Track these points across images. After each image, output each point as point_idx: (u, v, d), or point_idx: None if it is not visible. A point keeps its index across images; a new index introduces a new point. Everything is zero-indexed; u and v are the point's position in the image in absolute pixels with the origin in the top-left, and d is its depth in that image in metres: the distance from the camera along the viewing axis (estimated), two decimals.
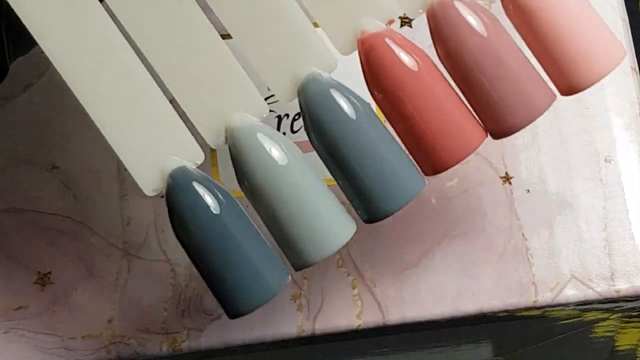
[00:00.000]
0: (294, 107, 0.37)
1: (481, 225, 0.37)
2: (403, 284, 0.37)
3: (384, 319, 0.37)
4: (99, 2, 0.32)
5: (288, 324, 0.37)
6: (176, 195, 0.31)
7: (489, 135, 0.33)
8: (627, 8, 0.40)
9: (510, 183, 0.38)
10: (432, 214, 0.38)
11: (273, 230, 0.32)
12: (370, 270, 0.37)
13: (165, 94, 0.32)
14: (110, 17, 0.32)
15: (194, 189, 0.31)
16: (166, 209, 0.31)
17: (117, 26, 0.32)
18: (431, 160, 0.32)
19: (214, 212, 0.31)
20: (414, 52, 0.32)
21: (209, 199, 0.31)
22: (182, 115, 0.32)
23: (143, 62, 0.32)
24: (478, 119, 0.32)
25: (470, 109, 0.32)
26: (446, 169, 0.32)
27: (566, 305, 0.37)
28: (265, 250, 0.32)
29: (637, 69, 0.39)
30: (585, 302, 0.37)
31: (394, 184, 0.31)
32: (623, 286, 0.37)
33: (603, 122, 0.38)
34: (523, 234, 0.37)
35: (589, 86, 0.32)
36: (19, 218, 0.38)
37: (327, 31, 0.32)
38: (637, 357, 0.47)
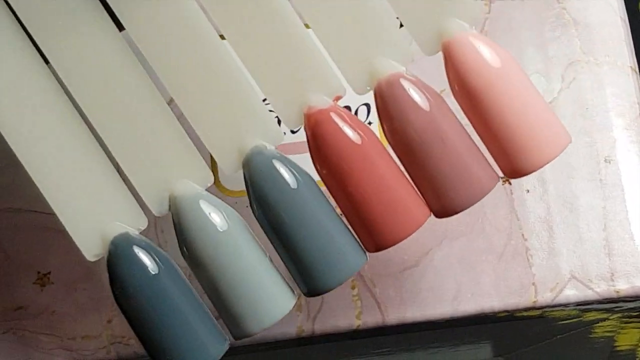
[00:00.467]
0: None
1: (481, 226, 0.37)
2: (403, 284, 0.37)
3: (383, 319, 0.37)
4: (44, 63, 0.32)
5: (287, 324, 0.37)
6: (117, 261, 0.31)
7: (432, 214, 0.33)
8: (627, 8, 0.40)
9: (510, 183, 0.38)
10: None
11: (213, 298, 0.32)
12: (370, 271, 0.37)
13: (110, 160, 0.32)
14: (56, 79, 0.32)
15: (135, 255, 0.31)
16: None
17: (63, 88, 0.32)
18: (373, 237, 0.32)
19: (152, 272, 0.31)
20: (360, 128, 0.32)
21: (147, 262, 0.31)
22: (127, 180, 0.32)
23: (88, 127, 0.32)
24: (422, 197, 0.32)
25: (415, 187, 0.32)
26: (388, 246, 0.32)
27: (566, 305, 0.37)
28: (205, 317, 0.32)
29: (637, 69, 0.39)
30: (585, 303, 0.37)
31: (334, 259, 0.31)
32: (623, 286, 0.37)
33: (603, 122, 0.38)
34: (523, 235, 0.37)
35: (533, 171, 0.32)
36: (18, 218, 0.38)
37: (274, 105, 0.32)
38: (637, 357, 0.47)
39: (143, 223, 0.32)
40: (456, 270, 0.37)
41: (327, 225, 0.31)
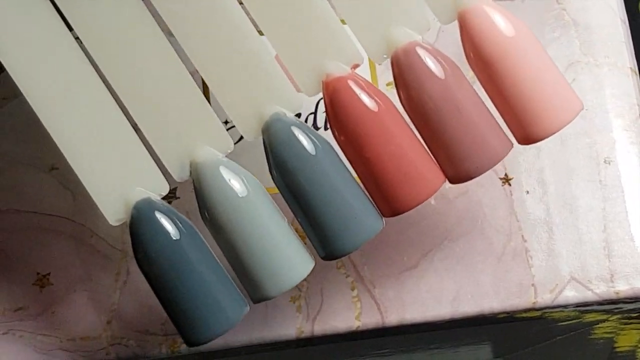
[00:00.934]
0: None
1: (481, 227, 0.37)
2: (402, 286, 0.37)
3: (383, 321, 0.37)
4: (69, 33, 0.32)
5: (287, 325, 0.37)
6: (139, 225, 0.32)
7: (447, 180, 0.33)
8: (626, 10, 0.40)
9: (509, 184, 0.38)
10: (431, 215, 0.38)
11: (233, 262, 0.32)
12: (370, 272, 0.37)
13: (132, 127, 0.33)
14: (79, 46, 0.32)
15: (157, 219, 0.32)
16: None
17: (87, 57, 0.32)
18: (389, 202, 0.32)
19: (174, 238, 0.32)
20: (377, 95, 0.32)
21: (170, 228, 0.32)
22: (149, 147, 0.33)
23: (111, 94, 0.32)
24: (437, 163, 0.33)
25: (430, 153, 0.33)
26: (404, 211, 0.33)
27: (565, 306, 0.37)
28: (225, 281, 0.32)
29: (636, 70, 0.39)
30: (584, 304, 0.37)
31: (352, 223, 0.32)
32: (622, 288, 0.37)
33: (602, 123, 0.38)
34: (522, 236, 0.37)
35: (546, 137, 0.33)
36: (18, 219, 0.38)
37: (293, 72, 0.33)
38: (637, 358, 0.47)
39: (165, 188, 0.33)
40: (456, 271, 0.37)
41: (344, 191, 0.32)
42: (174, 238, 0.32)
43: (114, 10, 0.32)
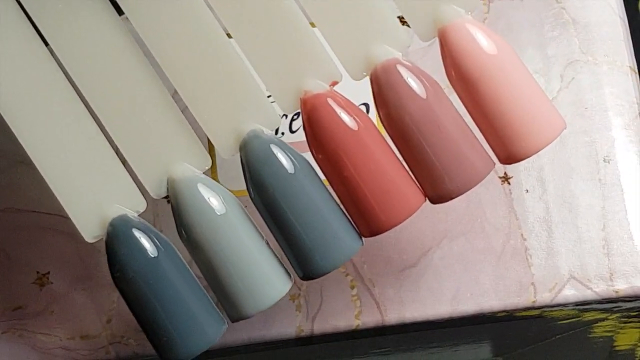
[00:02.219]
0: None
1: (480, 226, 0.37)
2: (402, 284, 0.37)
3: (382, 319, 0.37)
4: (45, 48, 0.32)
5: (287, 324, 0.37)
6: (115, 242, 0.31)
7: (427, 200, 0.33)
8: (626, 8, 0.40)
9: (509, 183, 0.38)
10: (431, 214, 0.37)
11: (210, 281, 0.32)
12: (369, 271, 0.37)
13: (109, 143, 0.32)
14: (56, 61, 0.32)
15: (133, 236, 0.31)
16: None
17: (64, 73, 0.32)
18: (368, 222, 0.32)
19: (151, 255, 0.31)
20: (355, 113, 0.32)
21: (146, 244, 0.31)
22: (126, 163, 0.32)
23: (88, 111, 0.32)
24: (417, 183, 0.33)
25: (410, 172, 0.33)
26: (383, 232, 0.32)
27: (565, 305, 0.37)
28: (203, 299, 0.32)
29: (636, 69, 0.39)
30: (584, 303, 0.37)
31: (330, 243, 0.32)
32: (622, 286, 0.37)
33: (602, 122, 0.38)
34: (522, 234, 0.37)
35: (528, 157, 0.32)
36: (17, 218, 0.38)
37: (271, 90, 0.33)
38: (636, 357, 0.47)
39: (142, 205, 0.33)
40: (455, 270, 0.37)
41: (322, 210, 0.32)
42: (151, 255, 0.31)
43: (90, 24, 0.32)
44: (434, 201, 0.33)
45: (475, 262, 0.37)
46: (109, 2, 0.32)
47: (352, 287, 0.37)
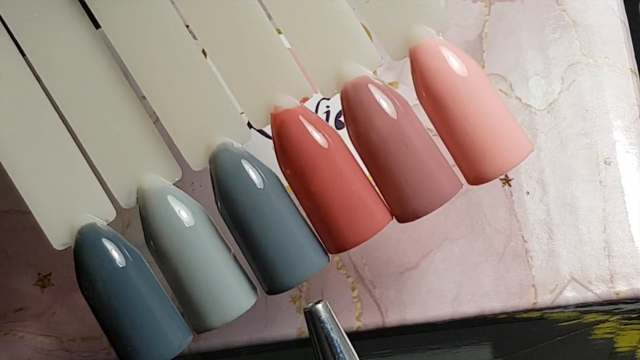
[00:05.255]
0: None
1: (481, 227, 0.37)
2: (403, 286, 0.37)
3: (383, 321, 0.37)
4: (20, 57, 0.32)
5: (288, 325, 0.37)
6: (82, 251, 0.32)
7: (394, 218, 0.33)
8: (626, 10, 0.40)
9: (510, 185, 0.38)
10: (431, 215, 0.37)
11: (176, 292, 0.32)
12: (370, 272, 0.37)
13: (80, 152, 0.33)
14: (31, 71, 0.32)
15: (101, 245, 0.32)
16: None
17: (38, 82, 0.32)
18: (334, 238, 0.32)
19: (120, 265, 0.31)
20: (325, 130, 0.32)
21: (115, 254, 0.32)
22: (97, 172, 0.33)
23: (60, 119, 0.32)
24: (385, 201, 0.33)
25: (378, 191, 0.33)
26: (348, 248, 0.32)
27: (565, 307, 0.37)
28: (170, 309, 0.32)
29: (636, 71, 0.39)
30: (584, 304, 0.37)
31: (295, 259, 0.32)
32: (622, 288, 0.37)
33: (602, 124, 0.38)
34: (522, 236, 0.37)
35: (494, 178, 0.33)
36: (19, 219, 0.38)
37: (241, 104, 0.33)
38: (637, 358, 0.47)
39: (111, 215, 0.33)
40: (456, 271, 0.37)
41: (289, 225, 0.32)
42: (119, 265, 0.31)
43: (66, 37, 0.32)
44: (400, 220, 0.33)
45: (476, 263, 0.37)
46: (85, 14, 0.33)
47: (353, 289, 0.37)
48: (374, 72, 0.34)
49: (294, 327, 0.37)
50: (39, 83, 0.32)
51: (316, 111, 0.39)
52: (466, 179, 0.33)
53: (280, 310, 0.37)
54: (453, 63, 0.32)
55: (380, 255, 0.37)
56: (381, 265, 0.37)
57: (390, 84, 0.39)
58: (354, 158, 0.33)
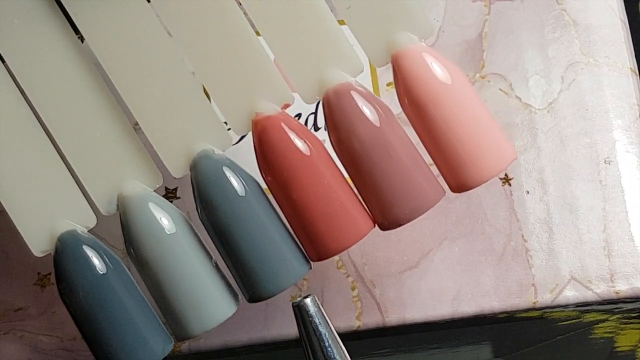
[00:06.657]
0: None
1: (481, 227, 0.38)
2: (403, 285, 0.37)
3: (383, 320, 0.37)
4: (0, 63, 0.32)
5: (288, 325, 0.37)
6: (63, 258, 0.31)
7: (376, 226, 0.33)
8: (626, 10, 0.40)
9: (509, 184, 0.38)
10: (431, 215, 0.38)
11: (157, 299, 0.32)
12: (370, 272, 0.37)
13: (61, 159, 0.32)
14: (12, 78, 0.32)
15: (82, 252, 0.31)
16: None
17: (18, 88, 0.32)
18: (315, 246, 0.32)
19: (100, 272, 0.31)
20: (306, 137, 0.32)
21: (95, 261, 0.31)
22: (77, 180, 0.32)
23: (40, 125, 0.32)
24: (367, 208, 0.33)
25: (360, 198, 0.33)
26: (330, 256, 0.32)
27: (566, 306, 0.37)
28: (150, 316, 0.32)
29: (636, 70, 0.39)
30: (584, 304, 0.37)
31: (276, 266, 0.32)
32: (622, 287, 0.37)
33: (602, 123, 0.38)
34: (522, 236, 0.37)
35: (477, 186, 0.32)
36: None
37: (222, 110, 0.33)
38: (637, 358, 0.47)
39: (92, 221, 0.33)
40: (456, 271, 0.37)
41: (270, 233, 0.32)
42: (99, 272, 0.31)
43: (47, 44, 0.32)
44: (383, 227, 0.33)
45: (476, 263, 0.37)
46: (66, 22, 0.33)
47: (353, 288, 0.37)
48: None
49: (293, 326, 0.37)
50: (19, 89, 0.32)
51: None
52: (449, 186, 0.33)
53: (280, 310, 0.37)
54: (436, 70, 0.32)
55: (380, 254, 0.37)
56: (381, 265, 0.37)
57: (390, 84, 0.39)
58: (336, 165, 0.32)
